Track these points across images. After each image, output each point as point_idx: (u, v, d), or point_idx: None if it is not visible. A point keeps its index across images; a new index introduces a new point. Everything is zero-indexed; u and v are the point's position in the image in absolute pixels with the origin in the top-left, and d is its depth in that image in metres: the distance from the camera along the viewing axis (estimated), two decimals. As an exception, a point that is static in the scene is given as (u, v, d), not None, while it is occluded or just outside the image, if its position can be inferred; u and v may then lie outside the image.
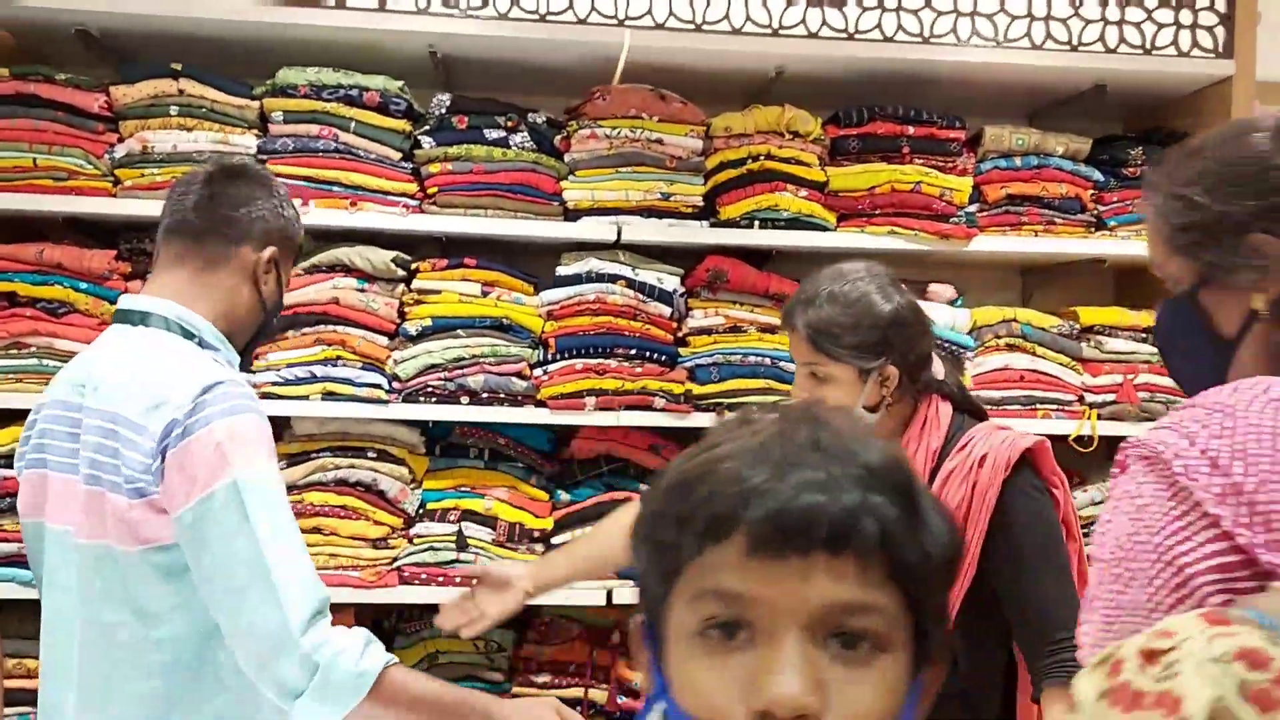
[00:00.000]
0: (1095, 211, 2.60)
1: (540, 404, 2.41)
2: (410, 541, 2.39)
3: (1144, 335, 2.61)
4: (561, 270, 2.46)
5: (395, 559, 2.36)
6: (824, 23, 2.48)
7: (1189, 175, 1.07)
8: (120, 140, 2.33)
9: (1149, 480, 0.89)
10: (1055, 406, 2.55)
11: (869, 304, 1.67)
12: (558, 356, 2.42)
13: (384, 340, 2.40)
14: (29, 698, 2.00)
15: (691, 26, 2.44)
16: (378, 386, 2.35)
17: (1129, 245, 2.58)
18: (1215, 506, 0.82)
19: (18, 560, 2.20)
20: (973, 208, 2.55)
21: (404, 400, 2.38)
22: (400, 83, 2.41)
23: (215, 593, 1.42)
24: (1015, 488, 1.63)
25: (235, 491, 1.40)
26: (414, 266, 2.43)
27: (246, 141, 2.34)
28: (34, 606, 1.65)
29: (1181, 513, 0.86)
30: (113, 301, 2.28)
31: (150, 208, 2.30)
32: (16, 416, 2.08)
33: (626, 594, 2.35)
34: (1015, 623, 1.63)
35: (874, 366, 1.68)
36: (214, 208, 1.58)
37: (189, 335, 1.54)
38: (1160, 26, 2.56)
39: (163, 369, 1.48)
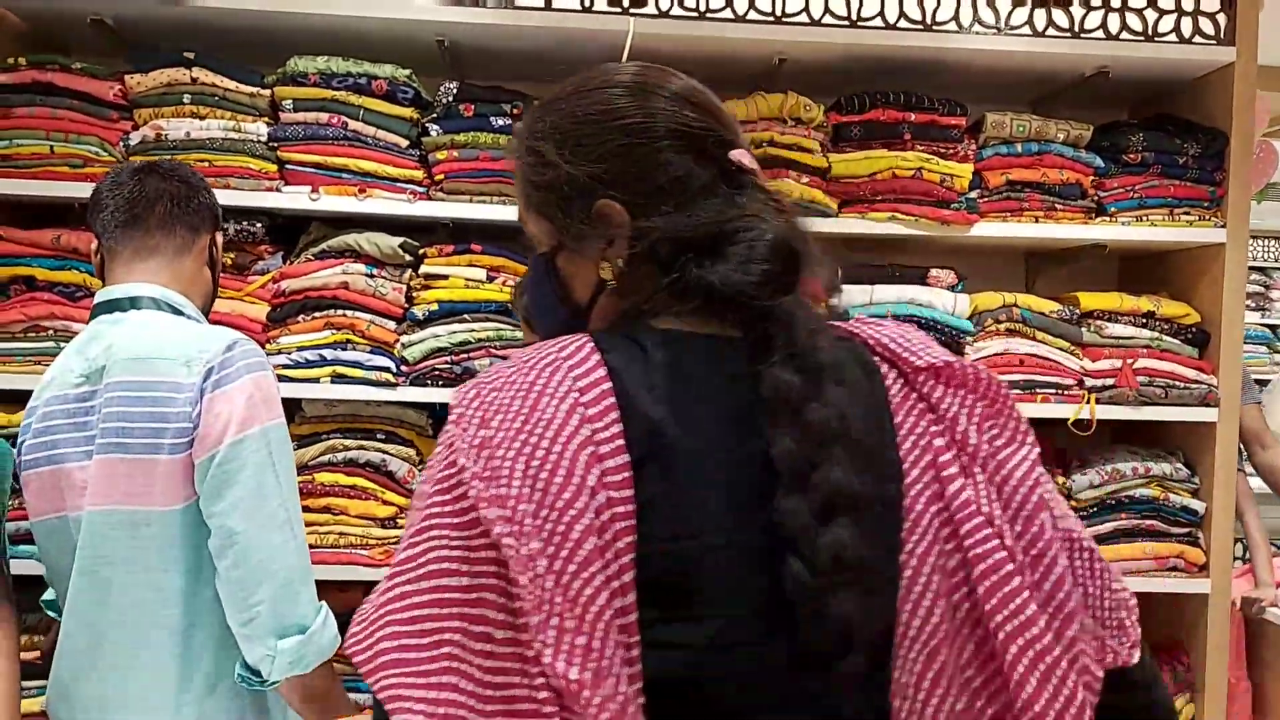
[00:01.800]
0: (1096, 197, 2.62)
1: (545, 387, 2.45)
2: (418, 521, 2.44)
3: (1144, 320, 2.63)
4: (566, 255, 2.50)
5: (403, 538, 2.41)
6: (826, 9, 2.50)
7: (544, 128, 0.96)
8: (135, 128, 2.38)
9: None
10: (1054, 391, 2.58)
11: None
12: (562, 340, 2.46)
13: (392, 324, 2.45)
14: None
15: (695, 14, 2.47)
16: (386, 370, 2.40)
17: (1130, 231, 2.60)
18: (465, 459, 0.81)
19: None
20: (974, 193, 2.57)
21: (412, 383, 2.43)
22: (408, 71, 2.44)
23: (239, 523, 1.51)
24: None
25: (265, 438, 1.54)
26: (421, 252, 2.48)
27: (258, 129, 2.38)
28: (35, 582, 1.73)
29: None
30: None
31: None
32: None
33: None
34: None
35: None
36: (176, 200, 1.70)
37: (178, 313, 1.65)
38: (1162, 13, 2.57)
39: (181, 334, 1.61)
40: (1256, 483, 3.57)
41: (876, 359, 0.92)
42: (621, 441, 0.80)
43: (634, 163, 0.91)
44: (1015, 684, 0.83)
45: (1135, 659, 0.93)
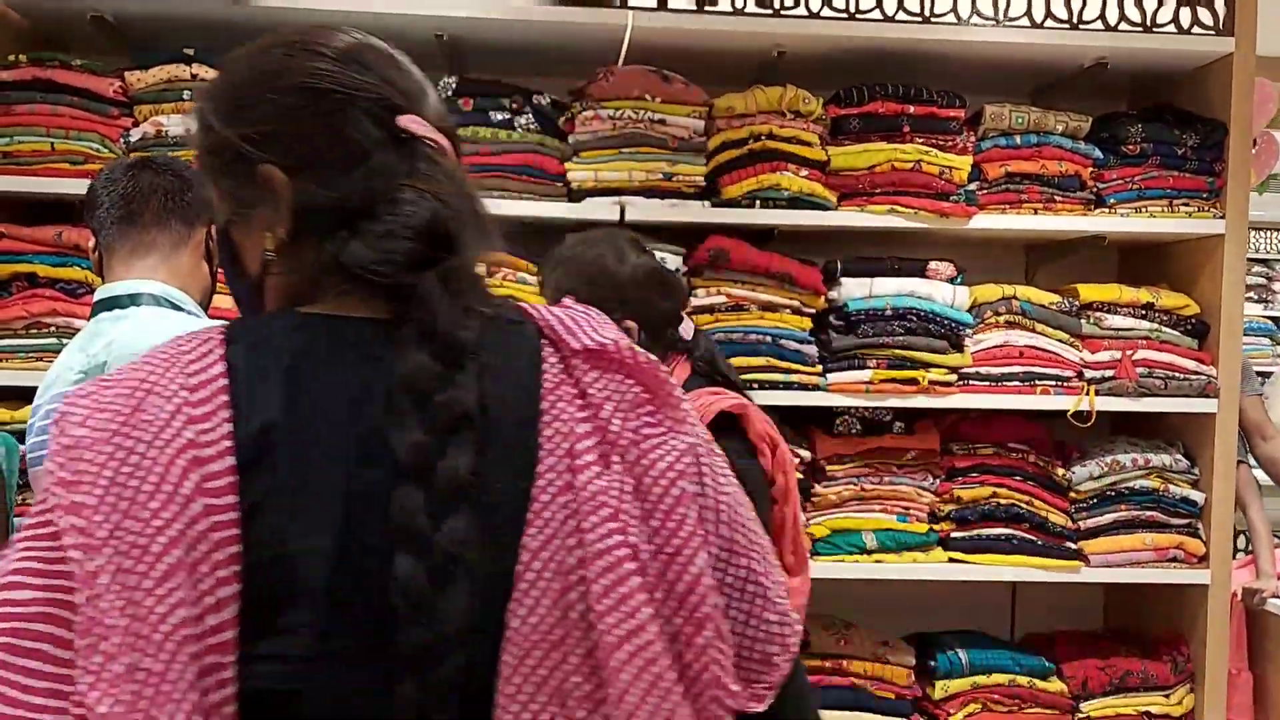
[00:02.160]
0: (1095, 189, 2.63)
1: (546, 381, 2.46)
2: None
3: (1143, 312, 2.64)
4: (566, 250, 2.50)
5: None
6: (825, 2, 2.50)
7: (210, 91, 0.90)
8: (135, 124, 2.39)
9: None
10: (1054, 383, 2.58)
11: (603, 265, 1.81)
12: (563, 335, 2.46)
13: (393, 319, 2.45)
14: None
15: (694, 7, 2.48)
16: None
17: (1129, 222, 2.60)
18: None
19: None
20: (973, 186, 2.58)
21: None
22: (407, 66, 2.44)
23: None
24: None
25: None
26: (421, 247, 2.48)
27: (257, 125, 2.38)
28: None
29: None
30: (129, 282, 2.35)
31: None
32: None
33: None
34: None
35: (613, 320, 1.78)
36: (170, 195, 1.70)
37: (177, 308, 1.66)
38: (1160, 3, 2.57)
39: (181, 329, 1.57)
40: (1260, 474, 3.57)
41: (544, 342, 0.86)
42: (229, 443, 0.76)
43: (291, 124, 0.85)
44: (616, 695, 0.77)
45: (768, 700, 0.88)
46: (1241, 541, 3.90)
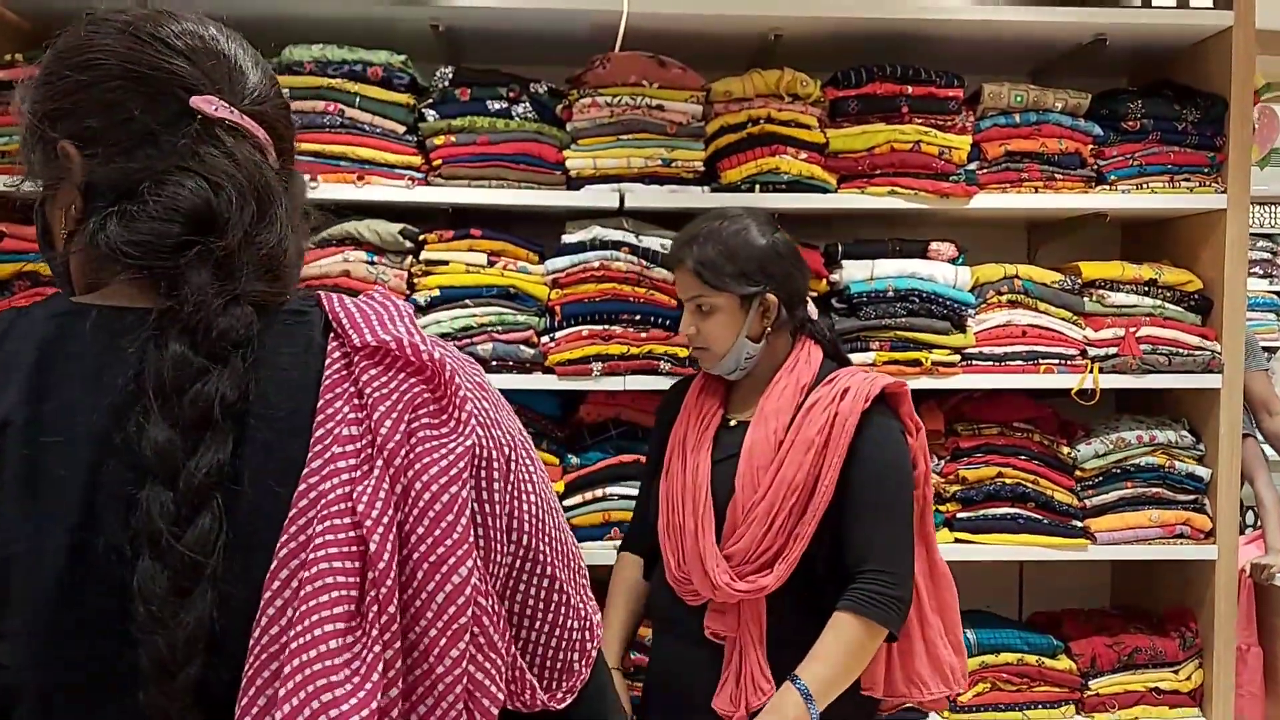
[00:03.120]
0: (1095, 166, 2.61)
1: (548, 370, 2.47)
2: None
3: (1146, 288, 2.63)
4: (566, 238, 2.51)
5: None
6: (821, -16, 2.49)
7: (35, 71, 0.89)
8: (132, 121, 2.39)
9: None
10: (1058, 361, 2.58)
11: (747, 238, 1.86)
12: (564, 323, 2.47)
13: (395, 311, 2.45)
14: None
15: (689, -9, 2.47)
16: (389, 356, 2.40)
17: (1130, 199, 2.59)
18: None
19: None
20: (972, 165, 2.57)
21: (415, 369, 2.43)
22: (403, 57, 2.45)
23: None
24: (872, 421, 1.76)
25: None
26: (421, 238, 2.49)
27: (255, 119, 2.38)
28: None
29: None
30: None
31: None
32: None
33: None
34: (837, 541, 1.76)
35: (754, 293, 1.86)
36: None
37: None
38: (1159, -22, 2.56)
39: None
40: (1268, 448, 3.57)
41: (331, 336, 0.83)
42: None
43: (85, 101, 0.84)
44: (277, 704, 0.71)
45: (565, 702, 0.88)
46: (1250, 517, 3.91)
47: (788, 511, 1.72)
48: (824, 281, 2.56)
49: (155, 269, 0.79)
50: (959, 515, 2.59)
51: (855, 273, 2.54)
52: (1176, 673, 2.65)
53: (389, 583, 0.73)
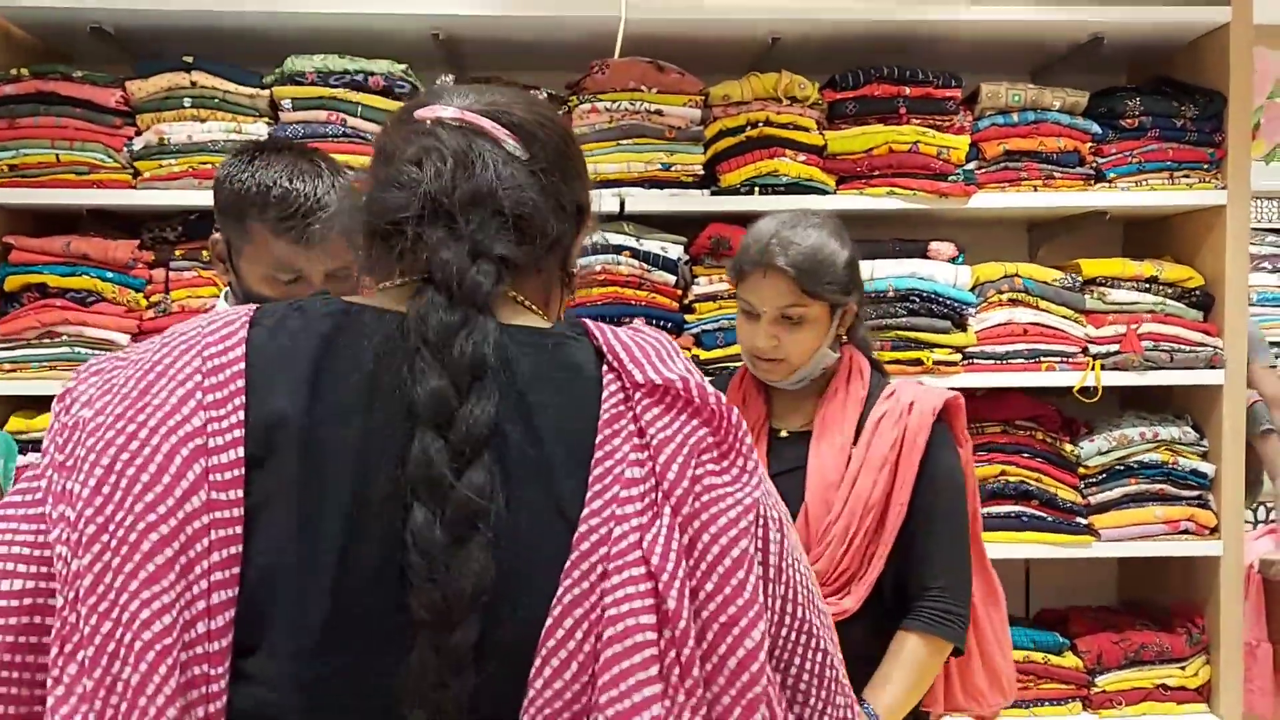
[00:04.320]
0: (1094, 164, 2.62)
1: (552, 374, 2.47)
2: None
3: (1147, 285, 2.63)
4: (568, 243, 2.51)
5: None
6: (817, -13, 2.51)
7: None
8: (138, 133, 2.42)
9: None
10: (1059, 359, 2.58)
11: (834, 243, 1.73)
12: (567, 327, 2.48)
13: (399, 317, 2.47)
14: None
15: (687, -3, 2.48)
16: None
17: (1129, 196, 2.59)
18: None
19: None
20: (971, 165, 2.58)
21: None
22: (404, 66, 2.47)
23: None
24: (940, 437, 1.70)
25: None
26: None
27: (258, 129, 2.41)
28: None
29: None
30: (138, 289, 2.39)
31: (169, 197, 2.39)
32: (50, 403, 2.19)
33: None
34: (904, 560, 1.69)
35: (848, 302, 1.74)
36: None
37: None
38: (1155, -24, 2.56)
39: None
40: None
41: (605, 369, 0.79)
42: (239, 433, 0.71)
43: None
44: None
45: None
46: (1262, 513, 3.90)
47: (864, 532, 1.65)
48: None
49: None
50: (963, 514, 2.59)
51: (856, 273, 2.54)
52: (1184, 669, 2.65)
53: (690, 644, 0.69)
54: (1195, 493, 2.64)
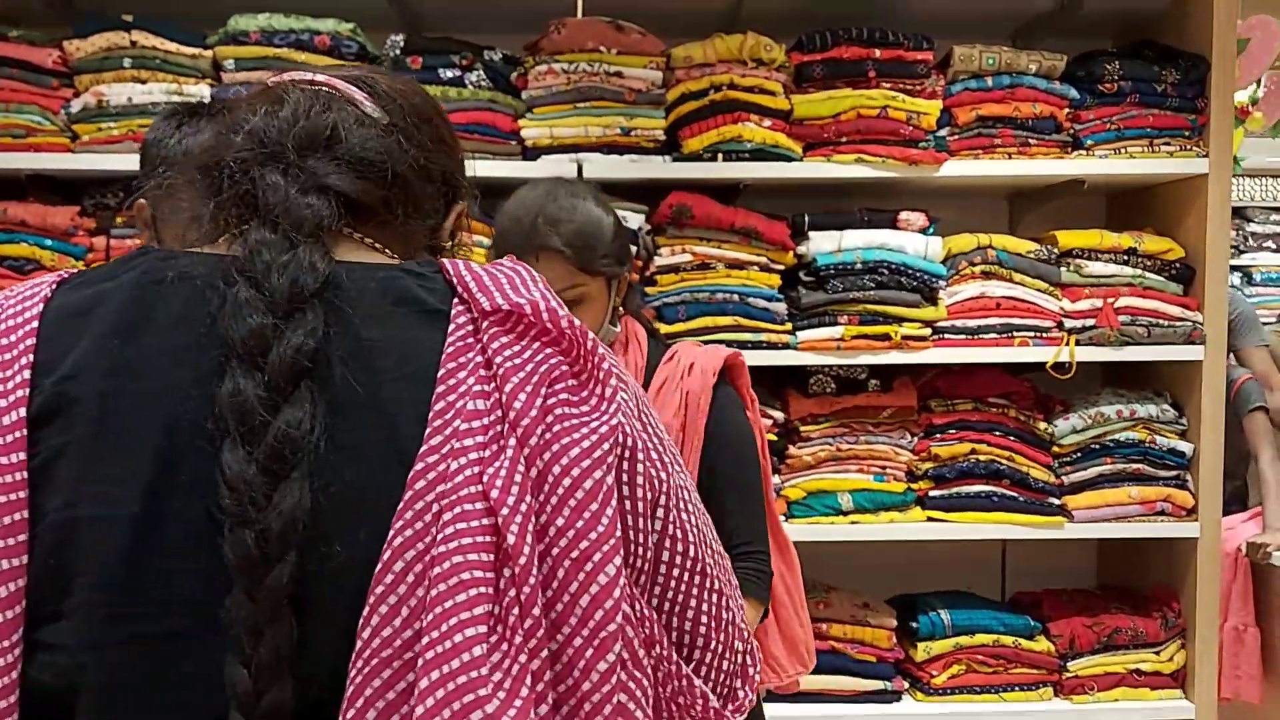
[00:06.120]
0: (1071, 130, 2.52)
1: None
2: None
3: (1125, 258, 2.54)
4: (523, 210, 2.43)
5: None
6: (785, -55, 2.41)
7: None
8: (76, 95, 2.34)
9: None
10: (1033, 333, 2.49)
11: (604, 212, 1.63)
12: (521, 298, 2.40)
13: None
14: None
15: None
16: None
17: (1107, 164, 2.50)
18: None
19: None
20: (943, 131, 2.48)
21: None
22: (351, 25, 2.38)
23: None
24: (717, 396, 1.64)
25: None
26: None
27: (200, 91, 2.33)
28: None
29: None
30: (78, 257, 2.32)
31: (109, 161, 2.32)
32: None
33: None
34: None
35: (622, 272, 1.66)
36: None
37: None
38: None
39: None
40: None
41: (456, 301, 0.74)
42: (23, 393, 0.68)
43: None
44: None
45: None
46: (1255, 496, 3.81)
47: None
48: (790, 254, 2.49)
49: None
50: (931, 493, 2.51)
51: (823, 244, 2.46)
52: (1158, 654, 2.57)
53: (531, 581, 0.65)
54: (1173, 472, 2.55)
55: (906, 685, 2.56)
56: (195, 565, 0.66)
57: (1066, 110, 2.51)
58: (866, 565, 2.69)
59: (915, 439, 2.54)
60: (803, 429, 2.51)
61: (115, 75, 2.32)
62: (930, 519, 2.50)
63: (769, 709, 2.49)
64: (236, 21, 2.35)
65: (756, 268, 2.46)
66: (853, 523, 2.49)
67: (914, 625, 2.55)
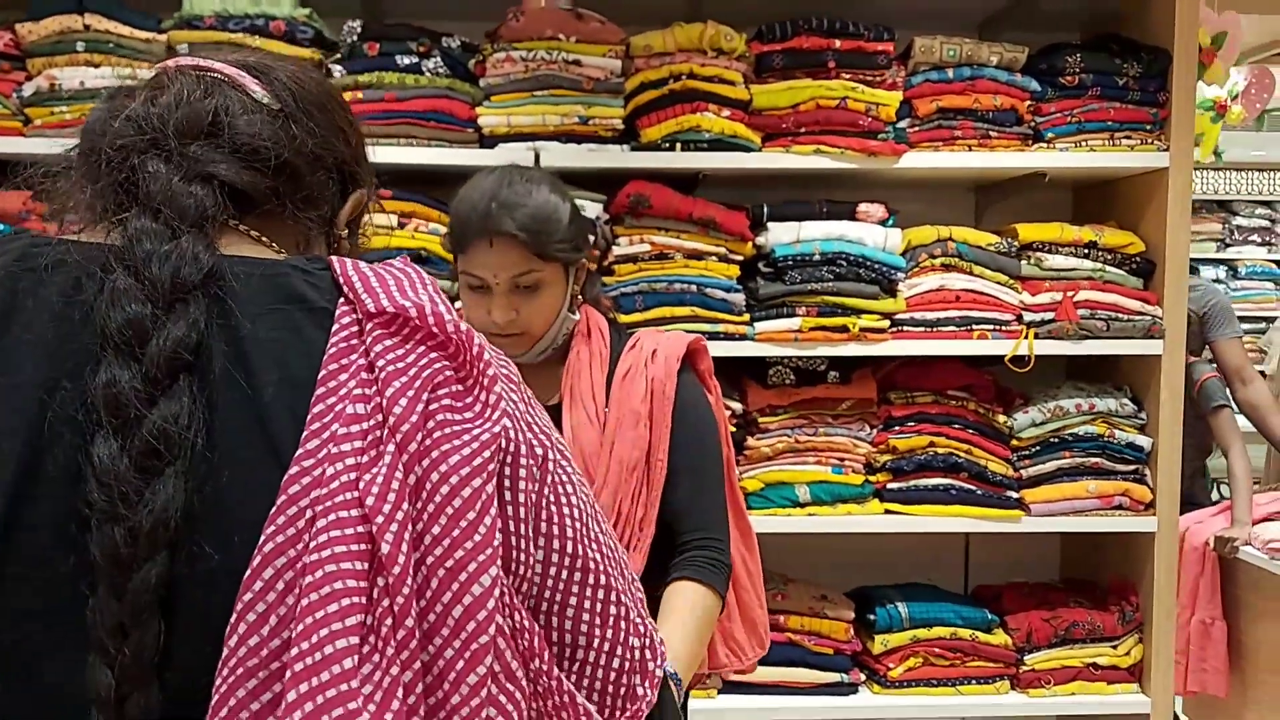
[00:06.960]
0: (1032, 123, 2.51)
1: (461, 335, 2.39)
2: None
3: (1086, 251, 2.53)
4: (480, 199, 2.42)
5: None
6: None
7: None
8: (28, 78, 2.32)
9: None
10: (992, 327, 2.49)
11: (554, 196, 1.60)
12: (478, 286, 2.39)
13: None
14: None
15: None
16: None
17: (1068, 157, 2.48)
18: None
19: None
20: (903, 123, 2.47)
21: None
22: (308, 10, 2.37)
23: None
24: (681, 382, 1.64)
25: None
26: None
27: (154, 76, 2.32)
28: None
29: None
30: (30, 241, 2.30)
31: (61, 146, 2.29)
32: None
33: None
34: (665, 510, 1.62)
35: (580, 259, 1.65)
36: None
37: None
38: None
39: None
40: (1242, 419, 3.46)
41: (342, 301, 0.73)
42: None
43: None
44: None
45: None
46: (1225, 489, 3.81)
47: (630, 496, 1.60)
48: (749, 245, 2.47)
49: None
50: (889, 486, 2.51)
51: (781, 235, 2.45)
52: (1115, 647, 2.57)
53: (405, 591, 0.64)
54: (1131, 467, 2.54)
55: (863, 677, 2.56)
56: (57, 570, 0.64)
57: (1028, 103, 2.50)
58: (825, 558, 2.69)
59: (874, 431, 2.53)
60: (761, 420, 2.50)
61: (68, 59, 2.30)
62: (888, 511, 2.50)
63: (725, 699, 2.51)
64: (192, 5, 2.33)
65: (715, 258, 2.45)
66: (810, 514, 2.48)
67: (871, 618, 2.55)
